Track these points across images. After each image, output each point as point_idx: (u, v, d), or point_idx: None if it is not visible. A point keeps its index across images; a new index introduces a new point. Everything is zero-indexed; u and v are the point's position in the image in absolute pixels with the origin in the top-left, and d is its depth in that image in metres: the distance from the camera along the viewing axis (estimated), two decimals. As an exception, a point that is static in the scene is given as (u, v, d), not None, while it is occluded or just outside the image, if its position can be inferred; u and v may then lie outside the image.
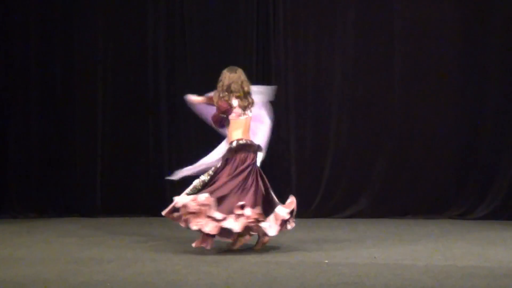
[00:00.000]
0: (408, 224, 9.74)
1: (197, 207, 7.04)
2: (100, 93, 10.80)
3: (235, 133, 7.40)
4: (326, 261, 6.76)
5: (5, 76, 10.77)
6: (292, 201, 7.44)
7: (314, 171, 10.57)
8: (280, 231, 7.29)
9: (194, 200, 7.08)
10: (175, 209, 7.17)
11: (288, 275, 6.10)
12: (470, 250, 7.51)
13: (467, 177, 10.30)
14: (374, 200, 10.45)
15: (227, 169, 7.30)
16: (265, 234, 7.26)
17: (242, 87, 7.42)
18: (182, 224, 7.18)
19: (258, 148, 7.42)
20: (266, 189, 7.36)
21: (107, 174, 10.81)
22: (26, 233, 9.03)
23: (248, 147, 7.36)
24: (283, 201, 7.48)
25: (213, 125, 7.69)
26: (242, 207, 7.09)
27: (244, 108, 7.38)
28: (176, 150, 10.76)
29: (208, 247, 7.17)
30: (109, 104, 10.84)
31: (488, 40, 10.28)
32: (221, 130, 7.70)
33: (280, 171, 10.54)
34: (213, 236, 7.14)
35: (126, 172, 10.80)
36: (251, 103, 7.42)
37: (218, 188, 7.17)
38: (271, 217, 7.23)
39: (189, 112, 10.76)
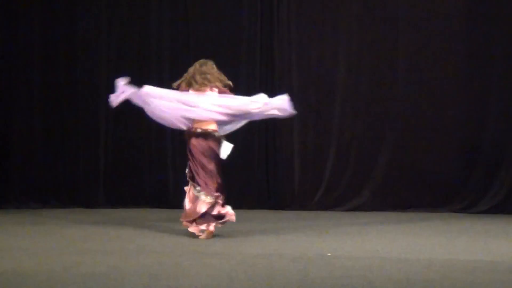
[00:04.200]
0: (410, 217, 9.73)
1: None
2: (103, 86, 10.78)
3: None
4: (329, 254, 6.76)
5: (9, 68, 10.75)
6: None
7: (317, 163, 10.57)
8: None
9: None
10: None
11: (290, 268, 6.10)
12: (473, 244, 7.51)
13: (470, 170, 10.29)
14: (377, 193, 10.45)
15: None
16: None
17: None
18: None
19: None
20: None
21: (110, 166, 10.81)
22: (29, 224, 9.03)
23: None
24: None
25: None
26: None
27: None
28: (179, 142, 10.74)
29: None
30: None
31: (493, 33, 10.26)
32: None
33: (283, 163, 10.55)
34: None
35: (129, 164, 10.80)
36: None
37: None
38: None
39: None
